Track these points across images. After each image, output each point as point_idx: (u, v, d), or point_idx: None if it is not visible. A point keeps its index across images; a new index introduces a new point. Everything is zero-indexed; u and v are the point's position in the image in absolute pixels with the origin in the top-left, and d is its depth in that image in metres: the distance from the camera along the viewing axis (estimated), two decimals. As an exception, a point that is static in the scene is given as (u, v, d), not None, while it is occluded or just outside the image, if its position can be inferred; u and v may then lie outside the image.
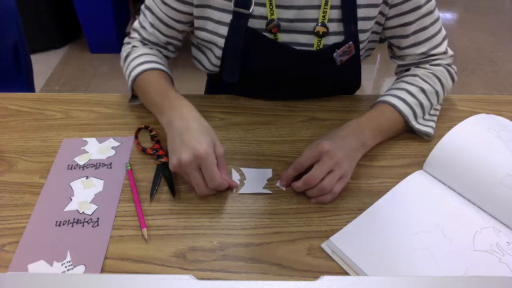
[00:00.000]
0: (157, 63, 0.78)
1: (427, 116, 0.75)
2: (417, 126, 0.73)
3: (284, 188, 0.65)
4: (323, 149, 0.61)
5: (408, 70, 0.81)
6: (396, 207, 0.61)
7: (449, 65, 0.79)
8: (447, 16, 2.93)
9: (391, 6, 0.73)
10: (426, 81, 0.75)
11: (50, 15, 2.30)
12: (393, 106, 0.72)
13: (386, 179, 0.67)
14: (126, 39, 0.85)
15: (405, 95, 0.73)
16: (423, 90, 0.74)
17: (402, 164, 0.70)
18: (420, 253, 0.55)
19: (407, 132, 0.75)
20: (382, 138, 0.72)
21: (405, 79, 0.77)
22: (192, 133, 0.61)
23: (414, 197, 0.63)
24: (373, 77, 2.30)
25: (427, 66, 0.78)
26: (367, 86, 2.22)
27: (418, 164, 0.69)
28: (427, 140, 0.74)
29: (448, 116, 0.79)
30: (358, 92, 0.90)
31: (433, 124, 0.75)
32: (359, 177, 0.67)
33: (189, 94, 0.82)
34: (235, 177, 0.67)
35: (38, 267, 0.54)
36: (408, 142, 0.74)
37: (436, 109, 0.77)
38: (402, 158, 0.71)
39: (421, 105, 0.73)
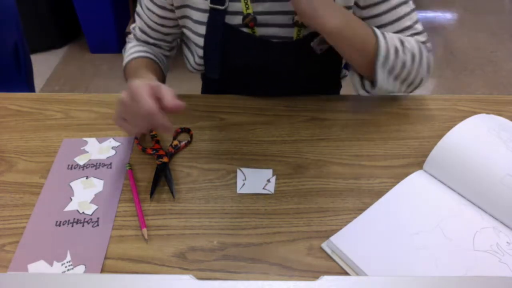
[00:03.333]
0: (145, 52, 0.82)
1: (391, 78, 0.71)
2: (379, 70, 0.68)
3: (272, 191, 0.64)
4: None
5: None
6: (396, 207, 0.61)
7: (428, 51, 0.75)
8: (447, 16, 2.93)
9: None
10: (407, 41, 0.71)
11: (50, 15, 2.30)
12: (375, 34, 0.68)
13: (386, 179, 0.67)
14: (126, 38, 0.90)
15: (388, 34, 0.69)
16: (402, 43, 0.70)
17: (402, 164, 0.69)
18: (420, 253, 0.55)
19: (406, 132, 0.75)
20: (341, 27, 0.64)
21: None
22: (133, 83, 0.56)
23: (414, 197, 0.63)
24: (373, 77, 2.30)
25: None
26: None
27: (418, 164, 0.69)
28: (427, 140, 0.74)
29: (448, 116, 0.79)
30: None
31: (395, 84, 0.71)
32: (359, 177, 0.67)
33: (189, 94, 0.83)
34: (237, 177, 0.67)
35: (38, 267, 0.54)
36: (408, 142, 0.74)
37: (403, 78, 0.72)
38: (402, 158, 0.71)
39: (396, 51, 0.68)
